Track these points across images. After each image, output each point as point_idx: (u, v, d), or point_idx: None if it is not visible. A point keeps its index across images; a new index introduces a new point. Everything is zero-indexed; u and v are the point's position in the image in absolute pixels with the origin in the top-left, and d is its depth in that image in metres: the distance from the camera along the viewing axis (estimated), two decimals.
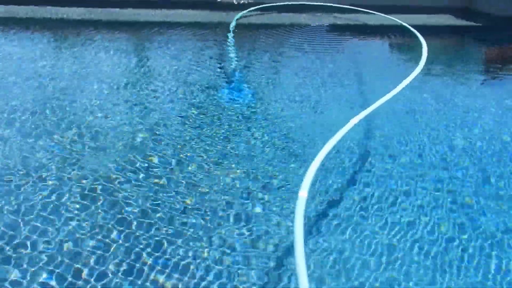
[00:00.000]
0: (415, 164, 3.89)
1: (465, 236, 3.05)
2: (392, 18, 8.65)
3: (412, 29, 7.56)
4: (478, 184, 3.65)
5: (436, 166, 3.87)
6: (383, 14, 8.91)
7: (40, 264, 2.55)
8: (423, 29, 7.47)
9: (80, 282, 2.46)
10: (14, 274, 2.47)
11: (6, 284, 2.40)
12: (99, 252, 2.66)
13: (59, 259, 2.59)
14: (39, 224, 2.84)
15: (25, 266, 2.53)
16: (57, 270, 2.52)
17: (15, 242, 2.69)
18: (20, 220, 2.86)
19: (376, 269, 2.74)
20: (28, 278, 2.46)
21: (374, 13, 9.04)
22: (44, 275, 2.48)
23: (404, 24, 8.00)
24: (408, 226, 3.11)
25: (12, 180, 3.25)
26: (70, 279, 2.48)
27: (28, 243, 2.69)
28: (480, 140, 4.40)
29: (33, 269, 2.51)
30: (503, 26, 9.22)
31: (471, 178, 3.73)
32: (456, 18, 9.83)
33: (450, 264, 2.81)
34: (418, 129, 4.52)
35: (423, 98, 5.34)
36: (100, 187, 3.25)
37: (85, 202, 3.08)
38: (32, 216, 2.90)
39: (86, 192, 3.19)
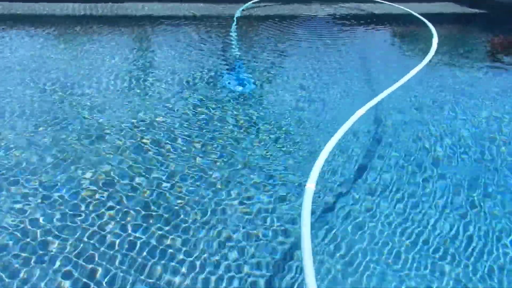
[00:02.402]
0: None
1: None
2: (399, 6, 8.40)
3: (421, 17, 7.30)
4: None
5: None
6: (390, 3, 8.66)
7: None
8: (425, 17, 7.23)
9: None
10: None
11: None
12: None
13: None
14: None
15: None
16: None
17: None
18: None
19: None
20: None
21: (382, 2, 8.80)
22: None
23: (414, 13, 7.74)
24: None
25: None
26: None
27: None
28: None
29: None
30: (506, 13, 8.94)
31: None
32: (458, 5, 9.55)
33: None
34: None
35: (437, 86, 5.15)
36: None
37: None
38: None
39: None
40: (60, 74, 4.99)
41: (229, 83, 5.03)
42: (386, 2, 8.78)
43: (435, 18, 7.19)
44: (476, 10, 9.22)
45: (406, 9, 8.19)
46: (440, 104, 4.65)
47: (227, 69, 5.48)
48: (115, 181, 3.16)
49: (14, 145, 3.51)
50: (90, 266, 2.46)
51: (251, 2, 8.61)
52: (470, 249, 2.74)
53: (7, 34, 6.48)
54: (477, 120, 4.35)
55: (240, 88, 4.89)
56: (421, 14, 7.48)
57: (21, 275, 2.39)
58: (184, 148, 3.61)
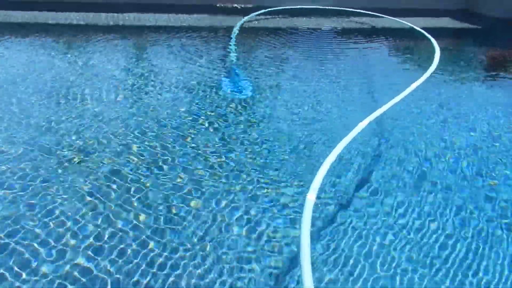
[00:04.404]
0: None
1: None
2: (401, 20, 8.35)
3: (422, 31, 7.24)
4: None
5: None
6: (391, 17, 8.62)
7: None
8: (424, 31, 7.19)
9: None
10: None
11: None
12: None
13: None
14: None
15: None
16: None
17: None
18: None
19: None
20: None
21: (382, 16, 8.76)
22: None
23: (416, 27, 7.68)
24: None
25: None
26: None
27: None
28: None
29: None
30: (503, 29, 8.93)
31: None
32: (455, 20, 9.54)
33: None
34: None
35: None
36: None
37: None
38: None
39: None
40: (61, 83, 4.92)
41: (227, 89, 5.02)
42: (387, 16, 8.74)
43: (434, 33, 7.13)
44: (472, 25, 9.21)
45: (407, 23, 8.15)
46: (442, 116, 4.59)
47: (226, 76, 5.44)
48: None
49: None
50: None
51: (253, 14, 8.57)
52: None
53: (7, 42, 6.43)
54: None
55: (238, 94, 4.89)
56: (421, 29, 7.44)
57: None
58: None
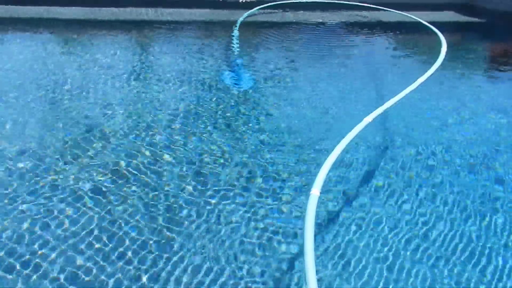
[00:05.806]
0: None
1: None
2: (408, 15, 8.20)
3: (429, 25, 7.09)
4: None
5: None
6: (396, 11, 8.47)
7: None
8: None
9: None
10: None
11: None
12: None
13: None
14: None
15: None
16: None
17: None
18: None
19: None
20: None
21: (387, 10, 8.62)
22: None
23: (423, 21, 7.52)
24: None
25: None
26: None
27: None
28: None
29: None
30: (506, 22, 8.79)
31: None
32: (458, 14, 9.40)
33: None
34: None
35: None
36: None
37: None
38: None
39: None
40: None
41: (230, 81, 5.01)
42: (393, 10, 8.60)
43: (439, 26, 6.99)
44: (477, 19, 9.07)
45: (413, 16, 8.00)
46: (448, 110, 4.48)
47: (228, 69, 5.42)
48: None
49: None
50: None
51: (255, 8, 8.44)
52: None
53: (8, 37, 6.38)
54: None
55: (240, 85, 4.91)
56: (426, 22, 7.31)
57: None
58: None
